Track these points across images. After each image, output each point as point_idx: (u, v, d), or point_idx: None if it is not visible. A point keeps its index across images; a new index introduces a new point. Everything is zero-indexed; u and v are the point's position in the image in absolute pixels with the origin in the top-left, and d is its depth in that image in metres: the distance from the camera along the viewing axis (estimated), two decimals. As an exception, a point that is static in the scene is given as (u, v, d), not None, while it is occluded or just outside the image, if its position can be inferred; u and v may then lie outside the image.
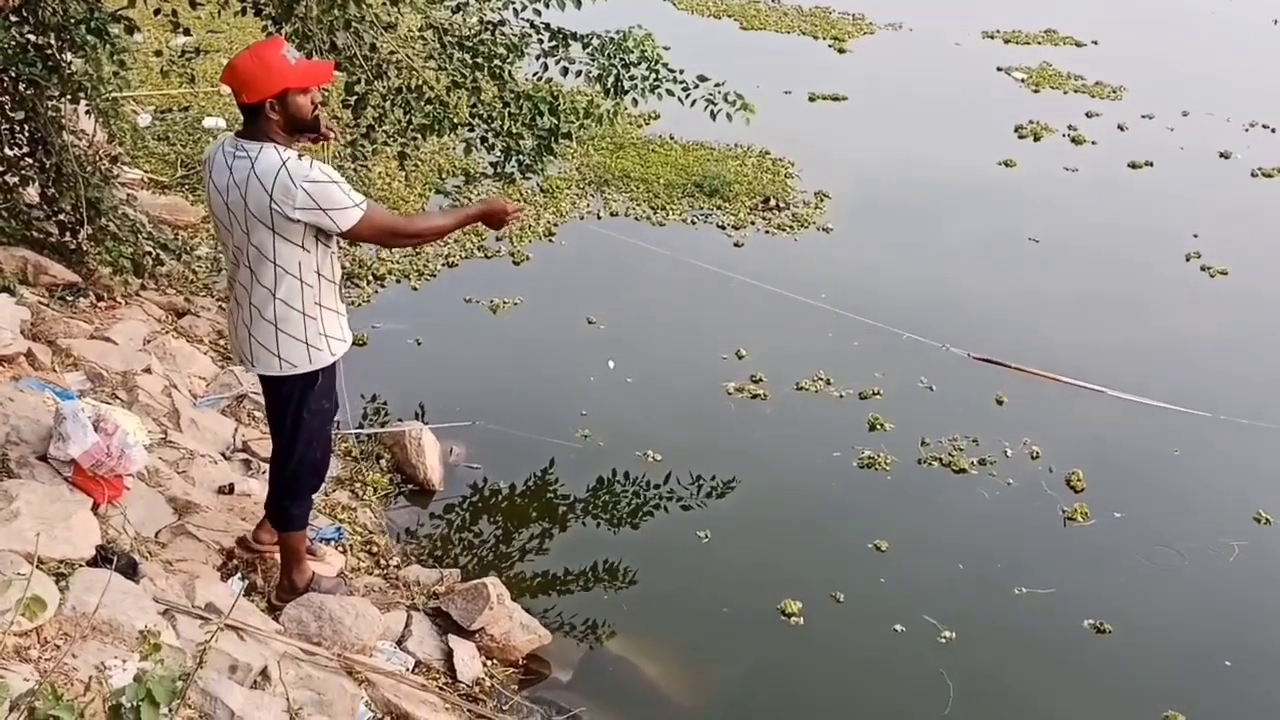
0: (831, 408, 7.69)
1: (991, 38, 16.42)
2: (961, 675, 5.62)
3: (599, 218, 10.34)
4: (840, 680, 5.69)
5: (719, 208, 10.57)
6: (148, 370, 6.46)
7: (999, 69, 15.06)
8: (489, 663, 5.32)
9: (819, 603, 6.02)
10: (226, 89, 11.65)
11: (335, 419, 5.20)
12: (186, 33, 7.71)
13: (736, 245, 9.99)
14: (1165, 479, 7.27)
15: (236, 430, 6.44)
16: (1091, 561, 6.47)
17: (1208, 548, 6.61)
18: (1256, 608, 6.25)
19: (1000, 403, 7.77)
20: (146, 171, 9.96)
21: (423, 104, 7.38)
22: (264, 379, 4.78)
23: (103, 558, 4.39)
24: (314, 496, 5.14)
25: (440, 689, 5.01)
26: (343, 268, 4.86)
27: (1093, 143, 12.67)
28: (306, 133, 4.54)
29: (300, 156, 4.40)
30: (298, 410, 4.72)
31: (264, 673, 4.24)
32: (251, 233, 4.40)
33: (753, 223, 10.37)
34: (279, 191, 4.29)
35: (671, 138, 11.94)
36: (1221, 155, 12.44)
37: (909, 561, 6.38)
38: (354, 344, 7.14)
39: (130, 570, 4.44)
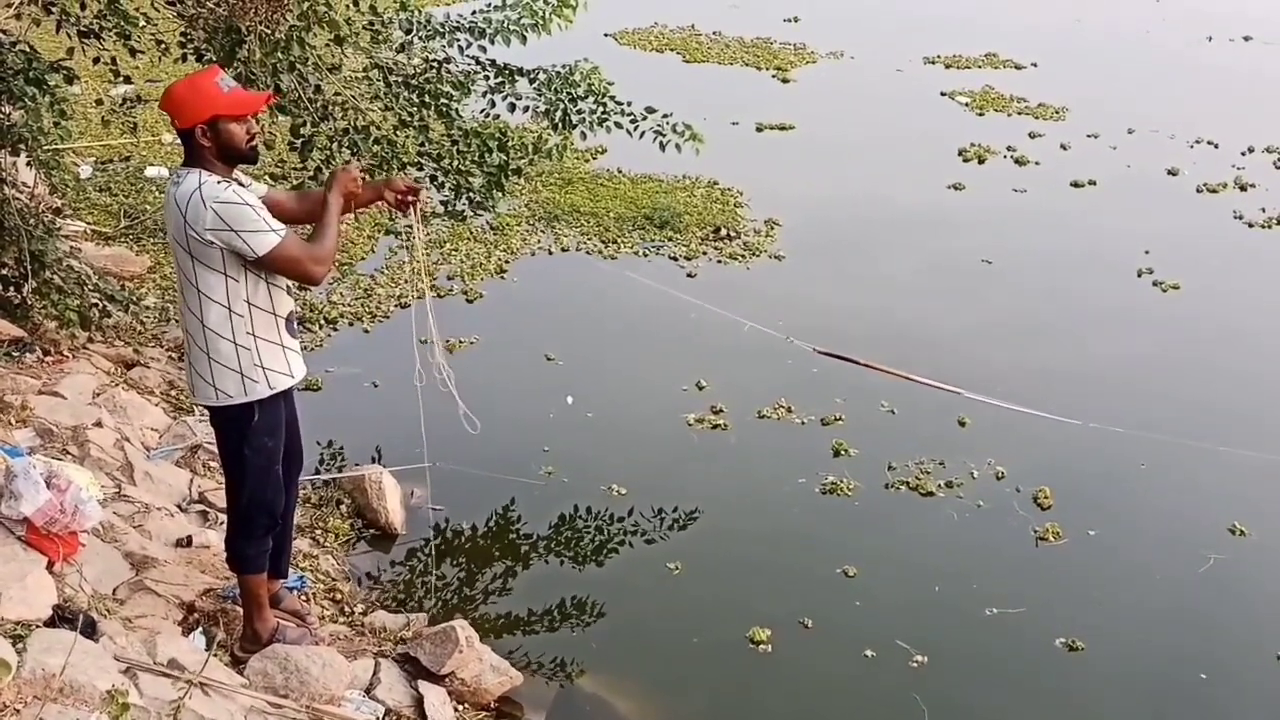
0: (794, 435, 7.66)
1: (933, 63, 16.58)
2: (935, 699, 5.58)
3: (550, 253, 10.31)
4: (813, 708, 5.62)
5: (670, 239, 10.57)
6: (98, 424, 6.33)
7: (942, 94, 15.20)
8: (461, 707, 5.22)
9: (787, 630, 5.97)
10: (169, 137, 11.64)
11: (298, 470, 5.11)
12: (127, 80, 7.62)
13: (689, 276, 9.98)
14: (1136, 494, 7.25)
15: (192, 481, 6.32)
16: (1062, 580, 6.46)
17: (1183, 561, 6.62)
18: (1231, 619, 6.25)
19: (963, 424, 7.77)
20: (89, 223, 9.83)
21: (370, 144, 7.30)
22: (208, 409, 4.75)
23: (60, 617, 4.28)
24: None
25: (412, 737, 4.91)
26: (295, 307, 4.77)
27: (1036, 163, 12.78)
28: (242, 162, 4.54)
29: (220, 181, 4.37)
30: (238, 446, 4.66)
31: (231, 728, 4.13)
32: (176, 257, 4.45)
33: (704, 253, 10.36)
34: (191, 213, 4.30)
35: (620, 171, 11.95)
36: (1169, 172, 12.58)
37: (879, 586, 6.34)
38: (308, 389, 7.09)
39: (89, 629, 4.32)
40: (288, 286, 4.68)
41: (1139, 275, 10.14)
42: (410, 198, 5.01)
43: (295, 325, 4.73)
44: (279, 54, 6.64)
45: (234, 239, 4.32)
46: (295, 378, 4.70)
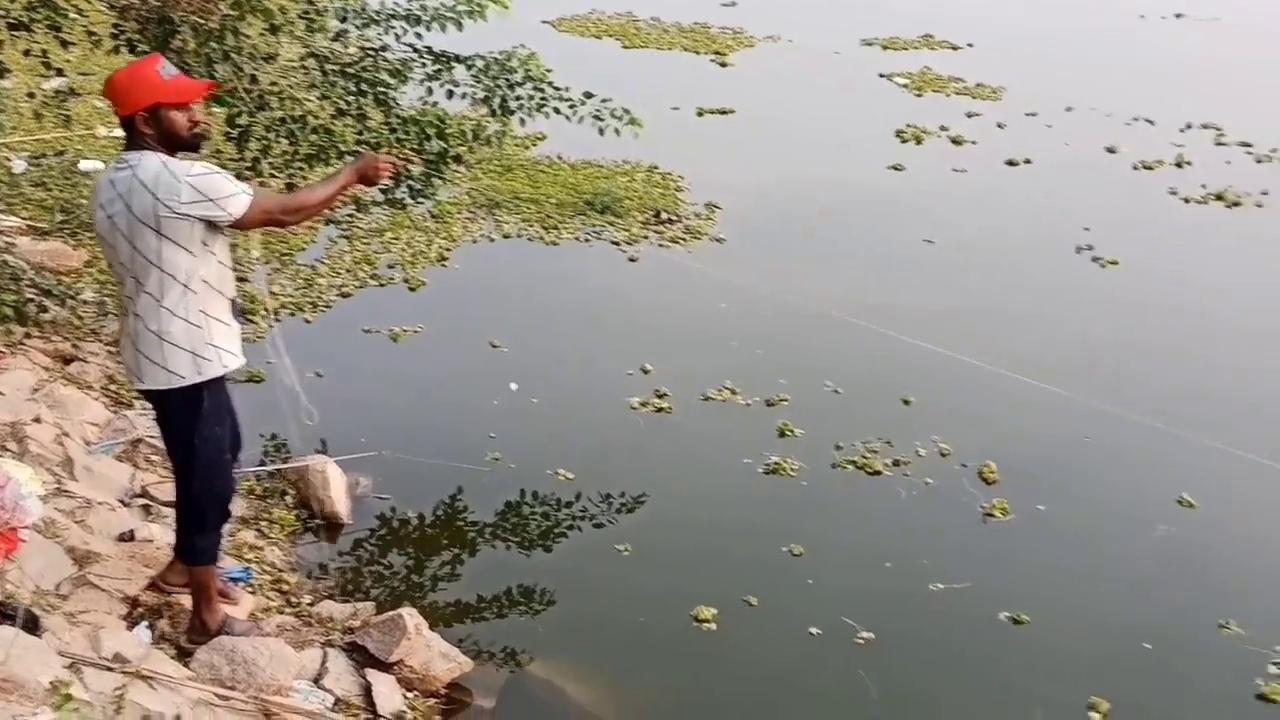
0: (740, 417, 7.70)
1: (870, 45, 16.70)
2: (882, 675, 5.61)
3: (491, 240, 10.28)
4: (758, 685, 5.63)
5: (611, 224, 10.58)
6: (37, 419, 6.25)
7: (881, 75, 15.30)
8: (410, 694, 5.20)
9: (733, 610, 5.98)
10: (104, 130, 11.50)
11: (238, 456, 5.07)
12: (60, 73, 7.52)
13: (631, 260, 9.99)
14: (1082, 469, 7.33)
15: (134, 475, 6.25)
16: (1009, 555, 6.53)
17: (1130, 534, 6.71)
18: (1176, 591, 6.33)
19: (907, 403, 7.84)
20: (24, 218, 9.68)
21: (308, 133, 7.26)
22: (154, 399, 4.69)
23: (1, 614, 4.23)
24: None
25: (361, 725, 4.90)
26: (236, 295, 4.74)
27: (973, 143, 12.91)
28: (185, 149, 4.52)
29: (180, 159, 4.41)
30: (188, 435, 4.63)
31: (178, 721, 4.10)
32: (136, 240, 4.37)
33: (646, 237, 10.38)
34: (164, 191, 4.30)
35: (560, 157, 11.95)
36: (1108, 150, 12.75)
37: (825, 565, 6.37)
38: (250, 380, 7.05)
39: (31, 625, 4.27)
40: (232, 270, 4.68)
41: (1078, 251, 10.28)
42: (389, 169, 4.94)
43: (239, 311, 4.71)
44: (213, 44, 6.59)
45: (211, 208, 4.34)
46: (241, 360, 4.70)
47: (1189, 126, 13.56)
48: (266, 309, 7.39)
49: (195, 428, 4.61)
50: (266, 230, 9.31)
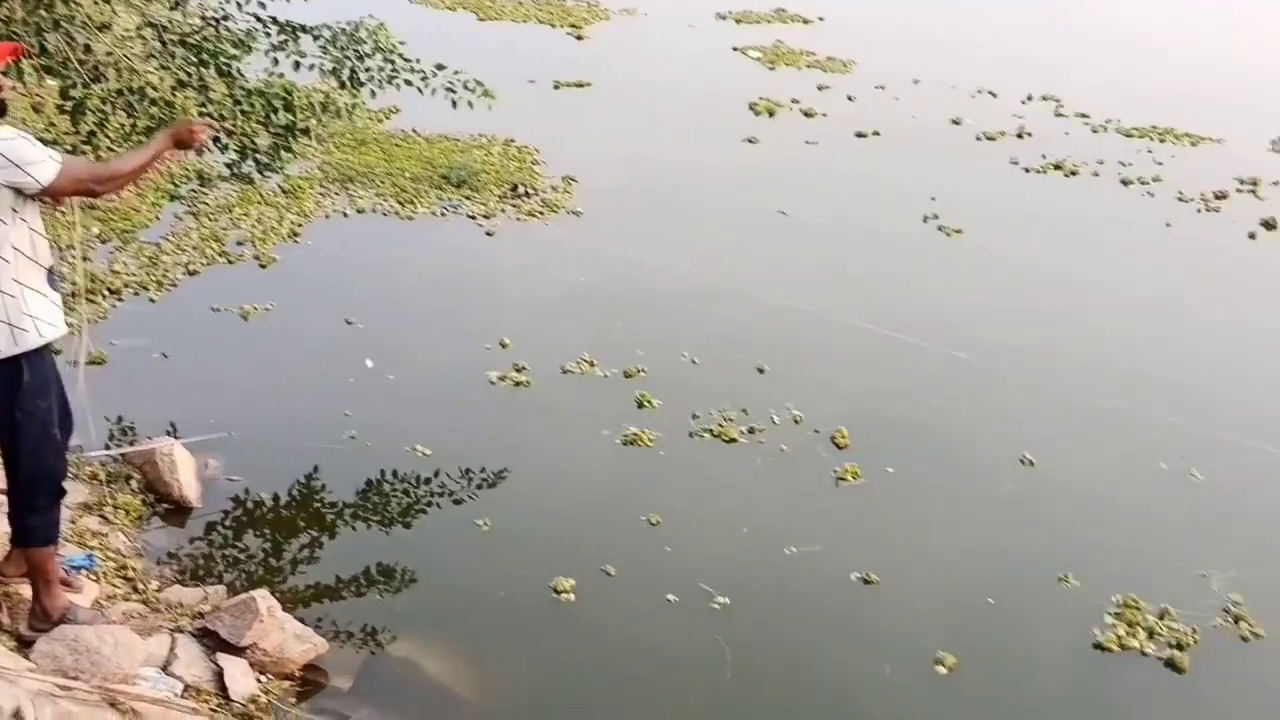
0: (598, 389, 7.72)
1: (724, 19, 16.81)
2: (737, 639, 5.70)
3: (345, 215, 10.12)
4: (618, 654, 5.69)
5: (468, 198, 10.49)
6: None
7: (734, 49, 15.41)
8: (264, 678, 5.11)
9: (591, 579, 6.01)
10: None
11: (76, 443, 4.91)
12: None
13: (488, 234, 9.93)
14: (928, 432, 7.52)
15: (-34, 463, 6.02)
16: (860, 517, 6.68)
17: (974, 493, 6.92)
18: (1016, 546, 6.55)
19: (761, 371, 7.95)
20: None
21: (147, 106, 7.03)
22: None
23: None
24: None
25: (213, 710, 4.80)
26: (64, 276, 4.59)
27: (824, 115, 13.10)
28: None
29: None
30: (9, 410, 4.47)
31: (17, 714, 3.97)
32: None
33: (503, 210, 10.33)
34: None
35: (415, 131, 11.81)
36: (953, 122, 13.05)
37: (682, 533, 6.44)
38: (92, 363, 6.83)
39: None
40: (49, 239, 4.52)
41: (925, 221, 10.51)
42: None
43: (57, 280, 4.56)
44: (42, 11, 6.34)
45: (17, 175, 4.22)
46: (61, 330, 4.56)
47: (1030, 98, 13.95)
48: (78, 292, 7.11)
49: (16, 401, 4.45)
50: (110, 207, 9.06)
